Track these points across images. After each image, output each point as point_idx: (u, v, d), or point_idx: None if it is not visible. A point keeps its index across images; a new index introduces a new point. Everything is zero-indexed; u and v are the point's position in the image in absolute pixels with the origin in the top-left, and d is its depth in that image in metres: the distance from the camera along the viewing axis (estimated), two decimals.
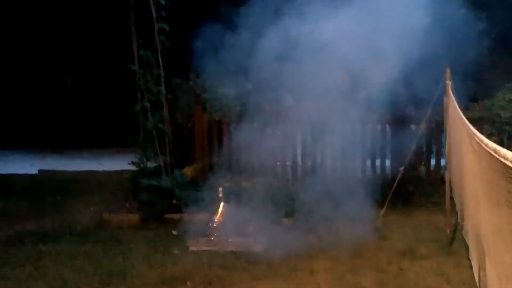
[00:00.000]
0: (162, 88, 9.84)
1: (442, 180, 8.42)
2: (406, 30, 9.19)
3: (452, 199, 7.66)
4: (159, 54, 9.77)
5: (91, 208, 9.77)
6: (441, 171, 9.38)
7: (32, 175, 12.02)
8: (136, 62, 9.71)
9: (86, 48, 14.80)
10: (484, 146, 3.69)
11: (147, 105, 9.69)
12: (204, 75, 10.82)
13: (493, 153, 3.33)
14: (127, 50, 9.79)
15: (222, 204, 8.25)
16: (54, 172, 12.22)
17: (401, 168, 8.62)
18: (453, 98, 6.91)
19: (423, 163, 9.83)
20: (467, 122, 5.05)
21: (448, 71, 7.36)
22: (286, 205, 8.89)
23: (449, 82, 7.30)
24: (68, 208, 9.82)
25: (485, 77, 9.64)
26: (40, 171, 12.26)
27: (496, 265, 4.13)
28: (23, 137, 14.89)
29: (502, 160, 3.07)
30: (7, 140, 14.76)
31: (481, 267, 5.06)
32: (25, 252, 7.69)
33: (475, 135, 4.23)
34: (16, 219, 9.18)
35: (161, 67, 9.80)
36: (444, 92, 7.53)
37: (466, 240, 6.82)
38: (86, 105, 15.07)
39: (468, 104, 9.23)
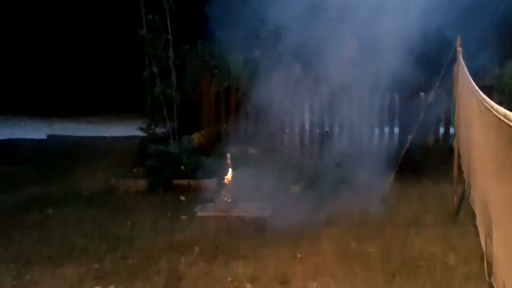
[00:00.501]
0: (170, 53, 9.79)
1: (450, 149, 8.36)
2: None
3: (459, 167, 7.63)
4: (168, 19, 9.70)
5: (99, 174, 9.77)
6: (450, 140, 9.33)
7: (40, 140, 12.05)
8: (144, 27, 9.65)
9: (94, 12, 14.73)
10: (494, 111, 3.65)
11: (155, 70, 9.66)
12: (213, 41, 10.76)
13: (503, 118, 3.29)
14: (135, 15, 9.72)
15: (229, 170, 8.24)
16: (62, 137, 12.27)
17: (409, 137, 8.58)
18: (464, 66, 6.84)
19: (431, 131, 9.77)
20: (477, 89, 5.00)
21: (459, 38, 7.28)
22: (294, 172, 8.88)
23: (459, 50, 7.22)
24: (76, 174, 9.84)
25: (495, 45, 9.52)
26: (48, 136, 12.30)
27: (503, 232, 4.12)
28: (32, 102, 14.90)
29: None
30: (16, 105, 14.79)
31: (488, 235, 5.05)
32: (32, 216, 7.74)
33: (485, 101, 4.18)
34: (24, 184, 9.22)
35: (169, 32, 9.74)
36: (454, 60, 7.45)
37: (473, 207, 6.80)
38: (95, 70, 15.04)
39: (478, 72, 9.13)
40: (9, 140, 12.12)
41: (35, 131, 12.84)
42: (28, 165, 10.29)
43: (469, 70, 6.67)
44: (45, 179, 9.47)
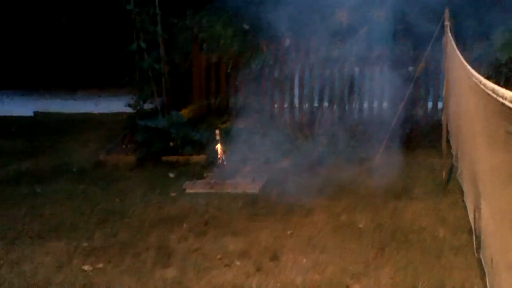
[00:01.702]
0: (159, 27, 9.70)
1: (439, 122, 8.36)
2: None
3: (448, 141, 7.63)
4: None
5: (87, 149, 9.73)
6: (438, 113, 9.31)
7: (28, 116, 11.97)
8: (132, 1, 9.54)
9: None
10: (482, 86, 3.63)
11: (143, 44, 9.57)
12: (202, 13, 10.66)
13: (491, 93, 3.28)
14: None
15: (219, 145, 8.22)
16: (49, 113, 12.18)
17: (399, 109, 8.57)
18: (452, 39, 6.81)
19: (420, 104, 9.75)
20: (466, 63, 4.98)
21: (447, 11, 7.23)
22: (284, 146, 8.86)
23: (448, 23, 7.17)
24: (64, 149, 9.79)
25: (484, 18, 9.46)
26: (35, 112, 12.21)
27: (491, 204, 4.13)
28: (18, 77, 14.77)
29: (500, 99, 3.01)
30: (1, 81, 14.65)
31: (476, 208, 5.07)
32: (21, 191, 7.71)
33: (474, 75, 4.16)
34: (12, 159, 9.18)
35: (157, 5, 9.63)
36: (442, 33, 7.41)
37: (460, 182, 6.83)
38: (82, 44, 14.89)
39: (466, 45, 9.09)
40: None
41: (21, 106, 12.73)
42: (16, 141, 10.24)
43: (457, 42, 6.65)
44: (33, 155, 9.42)
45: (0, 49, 14.96)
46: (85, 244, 6.07)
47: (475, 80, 4.03)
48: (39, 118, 11.89)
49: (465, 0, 8.78)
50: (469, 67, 4.59)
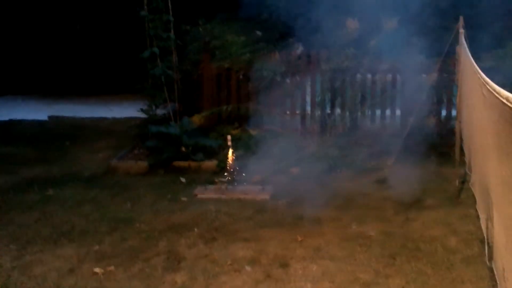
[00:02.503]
0: (171, 34, 9.74)
1: (452, 131, 8.33)
2: None
3: (461, 150, 7.60)
4: None
5: (99, 155, 9.78)
6: (451, 122, 9.28)
7: (41, 121, 12.04)
8: (145, 7, 9.60)
9: None
10: (496, 94, 3.61)
11: (156, 51, 9.60)
12: (214, 22, 10.70)
13: (505, 101, 3.24)
14: None
15: (230, 152, 8.23)
16: (63, 118, 12.25)
17: (411, 118, 8.55)
18: (466, 47, 6.79)
19: (433, 113, 9.72)
20: (480, 71, 4.95)
21: (461, 19, 7.22)
22: (295, 154, 8.86)
23: (462, 31, 7.16)
24: (76, 154, 9.85)
25: (497, 26, 9.44)
26: (49, 117, 12.28)
27: (503, 216, 4.10)
28: (33, 83, 14.88)
29: None
30: (17, 85, 14.77)
31: (489, 218, 5.04)
32: (33, 197, 7.74)
33: (488, 83, 4.13)
34: (25, 164, 9.23)
35: (170, 12, 9.68)
36: (456, 41, 7.40)
37: (473, 191, 6.79)
38: (95, 51, 14.98)
39: (480, 54, 9.06)
40: (10, 120, 12.11)
41: (36, 111, 12.80)
42: (29, 146, 10.30)
43: (470, 51, 6.62)
44: (45, 160, 9.47)
45: (16, 55, 15.08)
46: (96, 249, 6.08)
47: (489, 88, 4.00)
48: (53, 123, 11.95)
49: (479, 10, 8.77)
50: (483, 75, 4.57)
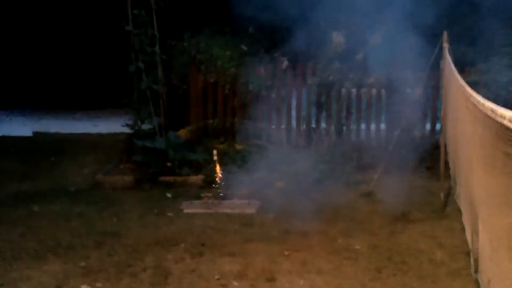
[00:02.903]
0: (157, 48, 9.77)
1: (436, 145, 8.39)
2: None
3: (446, 163, 7.66)
4: (154, 14, 9.67)
5: (85, 170, 9.73)
6: (436, 136, 9.34)
7: (26, 137, 11.98)
8: (130, 22, 9.61)
9: (80, 7, 14.63)
10: (480, 107, 3.65)
11: (141, 65, 9.62)
12: (199, 36, 10.73)
13: (489, 113, 3.27)
14: (121, 9, 9.67)
15: (216, 166, 8.24)
16: (48, 133, 12.19)
17: (397, 132, 8.60)
18: (450, 62, 6.86)
19: (418, 127, 9.79)
20: (464, 84, 5.01)
21: (445, 34, 7.30)
22: (280, 168, 8.88)
23: (446, 45, 7.23)
24: (62, 170, 9.79)
25: (481, 41, 9.54)
26: (34, 133, 12.22)
27: (488, 228, 4.14)
28: (17, 98, 14.79)
29: (499, 119, 3.00)
30: (1, 101, 14.67)
31: (474, 231, 5.07)
32: (18, 212, 7.69)
33: (472, 96, 4.19)
34: (10, 180, 9.17)
35: (155, 27, 9.71)
36: (440, 55, 7.47)
37: (458, 204, 6.84)
38: (80, 65, 14.94)
39: (464, 68, 9.15)
40: None
41: (20, 127, 12.74)
42: (14, 161, 10.22)
43: (455, 65, 6.69)
44: (31, 175, 9.42)
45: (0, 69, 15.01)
46: (83, 264, 6.06)
47: (473, 101, 4.05)
48: (38, 139, 11.88)
49: (463, 26, 8.86)
50: (468, 88, 4.62)
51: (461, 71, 7.19)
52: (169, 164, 9.03)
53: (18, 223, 7.25)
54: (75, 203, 8.06)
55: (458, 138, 6.16)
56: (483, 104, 3.57)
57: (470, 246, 5.49)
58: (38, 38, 15.15)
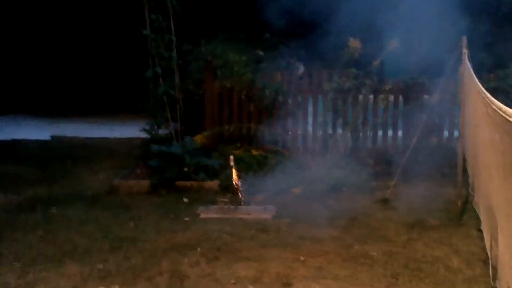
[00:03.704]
0: (174, 53, 9.80)
1: (454, 152, 8.35)
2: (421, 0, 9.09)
3: (464, 170, 7.61)
4: (171, 19, 9.70)
5: (102, 174, 9.79)
6: (454, 142, 9.30)
7: (44, 141, 12.07)
8: (148, 27, 9.66)
9: (97, 11, 14.73)
10: (502, 113, 3.63)
11: (158, 70, 9.66)
12: (216, 41, 10.76)
13: (510, 119, 3.26)
14: (138, 14, 9.73)
15: (232, 171, 8.24)
16: (65, 138, 12.29)
17: (413, 139, 8.57)
18: (469, 67, 6.82)
19: (435, 134, 9.75)
20: (484, 91, 4.98)
21: (464, 39, 7.25)
22: (296, 174, 8.87)
23: (465, 51, 7.19)
24: (79, 174, 9.85)
25: (499, 47, 9.51)
26: (52, 136, 12.31)
27: (508, 235, 4.11)
28: (35, 102, 14.92)
29: None
30: (19, 105, 14.81)
31: (493, 238, 5.04)
32: (36, 216, 7.72)
33: (493, 102, 4.16)
34: (28, 184, 9.22)
35: (173, 32, 9.75)
36: (458, 61, 7.43)
37: (477, 211, 6.79)
38: (97, 70, 15.04)
39: (482, 74, 9.11)
40: (13, 140, 12.13)
41: (38, 131, 12.84)
42: (32, 165, 10.29)
43: (473, 71, 6.66)
44: (48, 179, 9.47)
45: (18, 74, 15.13)
46: (100, 267, 6.07)
47: (494, 107, 4.02)
48: (55, 143, 11.97)
49: (481, 31, 8.83)
50: (488, 94, 4.59)
51: (479, 77, 7.17)
52: (185, 169, 9.04)
53: (35, 227, 7.29)
54: (91, 208, 8.09)
55: (477, 144, 6.13)
56: (505, 111, 3.55)
57: (489, 253, 5.45)
58: (57, 44, 15.30)
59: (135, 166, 9.88)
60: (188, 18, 10.35)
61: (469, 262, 6.15)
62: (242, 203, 8.07)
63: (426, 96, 9.54)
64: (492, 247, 5.15)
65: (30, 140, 12.04)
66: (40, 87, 15.12)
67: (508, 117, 3.36)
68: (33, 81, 15.16)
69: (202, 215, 7.78)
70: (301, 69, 11.27)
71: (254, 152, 9.65)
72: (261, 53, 10.63)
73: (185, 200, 8.42)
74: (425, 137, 9.25)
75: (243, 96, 10.16)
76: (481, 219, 6.33)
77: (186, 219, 7.63)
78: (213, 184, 8.89)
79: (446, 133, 9.83)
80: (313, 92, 10.12)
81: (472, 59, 7.21)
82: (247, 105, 10.20)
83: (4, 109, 14.71)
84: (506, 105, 3.65)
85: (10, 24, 15.16)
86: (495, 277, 5.07)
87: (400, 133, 9.97)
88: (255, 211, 7.88)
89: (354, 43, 9.51)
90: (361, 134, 9.97)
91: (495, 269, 5.06)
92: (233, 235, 7.03)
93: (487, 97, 4.57)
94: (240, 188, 8.18)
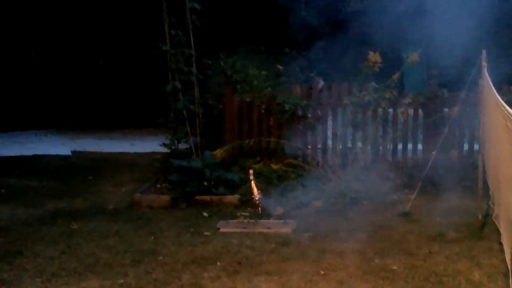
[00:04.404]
0: (193, 68, 9.87)
1: (474, 164, 8.31)
2: (440, 13, 9.09)
3: (485, 183, 7.57)
4: (191, 34, 9.78)
5: (123, 189, 9.85)
6: (474, 155, 9.26)
7: (65, 156, 12.18)
8: (168, 42, 9.74)
9: (117, 28, 14.87)
10: None
11: (178, 85, 9.72)
12: (235, 56, 10.80)
13: None
14: (158, 30, 9.82)
15: (252, 185, 8.25)
16: (86, 152, 12.38)
17: (433, 152, 8.54)
18: (489, 80, 6.80)
19: (456, 147, 9.71)
20: (503, 103, 4.97)
21: (484, 52, 7.23)
22: (317, 188, 8.87)
23: (485, 64, 7.17)
24: (100, 188, 9.92)
25: None
26: (73, 151, 12.41)
27: None
28: (56, 117, 15.06)
29: None
30: (41, 120, 14.95)
31: None
32: (57, 230, 7.80)
33: None
34: (49, 198, 9.31)
35: (192, 46, 9.81)
36: (478, 74, 7.41)
37: (497, 224, 6.75)
38: (118, 85, 15.16)
39: (502, 86, 9.07)
40: (34, 155, 12.23)
41: (59, 146, 12.96)
42: (53, 180, 10.40)
43: (493, 84, 6.64)
44: (69, 194, 9.56)
45: (39, 90, 15.29)
46: (121, 282, 6.11)
47: None
48: (76, 157, 12.07)
49: (501, 43, 8.81)
50: (507, 107, 4.58)
51: (499, 89, 7.15)
52: (205, 183, 9.06)
53: (57, 241, 7.35)
54: (112, 221, 8.15)
55: (497, 157, 6.10)
56: None
57: (509, 266, 5.42)
58: (78, 59, 15.44)
59: (155, 181, 9.94)
60: (208, 32, 10.41)
61: (490, 275, 6.11)
62: (261, 217, 8.07)
63: (446, 109, 9.51)
64: None
65: (51, 155, 12.13)
66: (61, 102, 15.25)
67: None
68: (54, 96, 15.29)
69: (222, 229, 7.79)
70: (321, 82, 11.29)
71: (274, 166, 9.65)
72: (280, 67, 10.65)
73: (205, 214, 8.44)
74: (445, 150, 9.22)
75: (262, 110, 10.19)
76: (501, 232, 6.30)
77: (206, 233, 7.64)
78: (233, 198, 8.91)
79: (466, 146, 9.77)
80: (333, 105, 10.12)
81: (492, 71, 7.18)
82: (267, 119, 10.22)
83: (25, 125, 14.86)
84: None
85: (31, 39, 15.33)
86: None
87: (420, 146, 9.94)
88: (275, 225, 7.88)
89: (374, 57, 9.52)
90: (381, 148, 9.95)
91: None
92: (253, 249, 7.03)
93: (506, 109, 4.56)
94: (259, 202, 8.18)
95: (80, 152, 12.43)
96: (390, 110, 9.84)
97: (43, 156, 12.17)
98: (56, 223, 8.06)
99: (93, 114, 15.08)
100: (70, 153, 12.35)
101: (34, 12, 14.95)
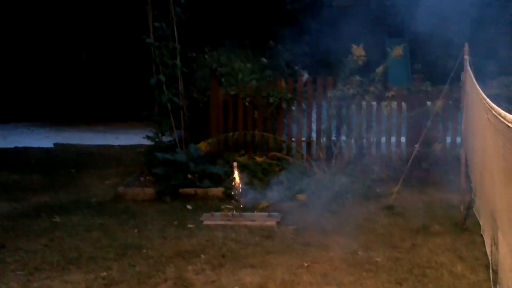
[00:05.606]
0: (178, 61, 9.84)
1: (457, 158, 8.36)
2: (424, 7, 9.13)
3: (467, 176, 7.62)
4: (175, 27, 9.75)
5: (106, 182, 9.82)
6: (457, 148, 9.31)
7: (47, 149, 12.10)
8: (151, 35, 9.71)
9: (101, 20, 14.79)
10: (501, 119, 3.66)
11: (162, 78, 9.69)
12: (220, 49, 10.78)
13: (510, 125, 3.29)
14: (142, 23, 9.78)
15: (236, 178, 8.25)
16: (69, 145, 12.31)
17: (416, 145, 8.58)
18: (471, 74, 6.84)
19: (439, 140, 9.76)
20: (485, 97, 5.00)
21: (466, 45, 7.27)
22: (301, 181, 8.89)
23: (467, 58, 7.21)
24: (83, 182, 9.89)
25: (502, 54, 9.52)
26: (55, 144, 12.34)
27: (509, 240, 4.12)
28: (39, 110, 14.97)
29: None
30: (22, 113, 14.86)
31: (494, 243, 5.05)
32: (40, 224, 7.75)
33: (493, 108, 4.18)
34: (32, 192, 9.26)
35: (177, 40, 9.78)
36: (461, 68, 7.45)
37: (477, 216, 6.82)
38: (101, 78, 15.09)
39: (485, 82, 9.12)
40: (16, 148, 12.15)
41: (41, 139, 12.89)
42: (35, 173, 10.35)
43: (476, 78, 6.67)
44: (52, 187, 9.51)
45: (22, 82, 15.19)
46: (104, 275, 6.08)
47: (494, 113, 4.05)
48: (59, 150, 12.00)
49: (484, 38, 8.85)
50: (488, 100, 4.62)
51: (483, 83, 7.17)
52: (190, 176, 9.06)
53: (40, 235, 7.31)
54: (96, 215, 8.12)
55: (479, 150, 6.14)
56: (504, 116, 3.58)
57: (490, 258, 5.47)
58: (61, 52, 15.35)
59: (139, 174, 9.91)
60: (193, 25, 10.39)
61: (472, 267, 6.16)
62: (246, 210, 8.06)
63: (429, 103, 9.55)
64: (492, 251, 5.17)
65: (33, 148, 12.06)
66: (43, 95, 15.15)
67: (507, 123, 3.38)
68: (37, 89, 15.21)
69: (206, 222, 7.78)
70: (306, 76, 11.30)
71: (259, 159, 9.67)
72: (265, 60, 10.64)
73: (190, 207, 8.44)
74: (428, 143, 9.27)
75: (247, 104, 10.18)
76: (481, 224, 6.36)
77: (191, 226, 7.64)
78: (218, 191, 8.91)
79: (449, 140, 9.82)
80: (318, 99, 10.14)
81: (475, 65, 7.22)
82: (252, 113, 10.21)
83: (7, 117, 14.75)
84: (509, 112, 3.67)
85: (14, 32, 15.23)
86: (496, 282, 5.08)
87: (403, 139, 9.97)
88: (260, 218, 7.88)
89: (358, 51, 9.54)
90: (365, 141, 9.98)
91: (495, 273, 5.07)
92: (238, 242, 7.04)
93: (487, 103, 4.60)
94: (240, 192, 8.16)
95: (63, 145, 12.36)
96: (374, 103, 9.87)
97: (25, 148, 12.09)
98: (39, 217, 8.01)
99: (77, 107, 15.00)
100: (52, 146, 12.27)
101: (16, 4, 14.84)
